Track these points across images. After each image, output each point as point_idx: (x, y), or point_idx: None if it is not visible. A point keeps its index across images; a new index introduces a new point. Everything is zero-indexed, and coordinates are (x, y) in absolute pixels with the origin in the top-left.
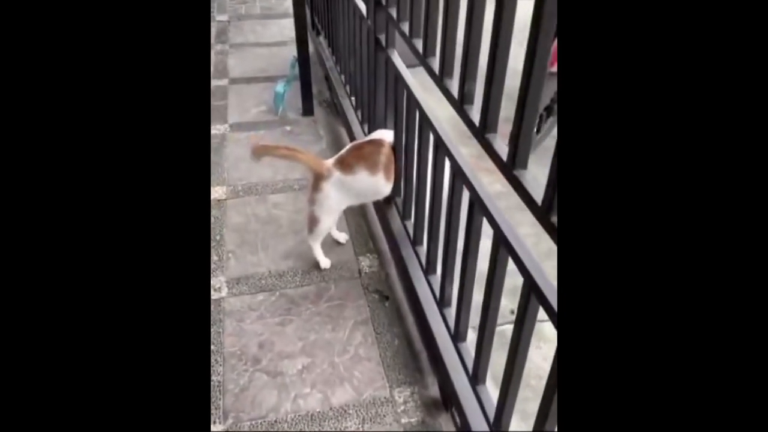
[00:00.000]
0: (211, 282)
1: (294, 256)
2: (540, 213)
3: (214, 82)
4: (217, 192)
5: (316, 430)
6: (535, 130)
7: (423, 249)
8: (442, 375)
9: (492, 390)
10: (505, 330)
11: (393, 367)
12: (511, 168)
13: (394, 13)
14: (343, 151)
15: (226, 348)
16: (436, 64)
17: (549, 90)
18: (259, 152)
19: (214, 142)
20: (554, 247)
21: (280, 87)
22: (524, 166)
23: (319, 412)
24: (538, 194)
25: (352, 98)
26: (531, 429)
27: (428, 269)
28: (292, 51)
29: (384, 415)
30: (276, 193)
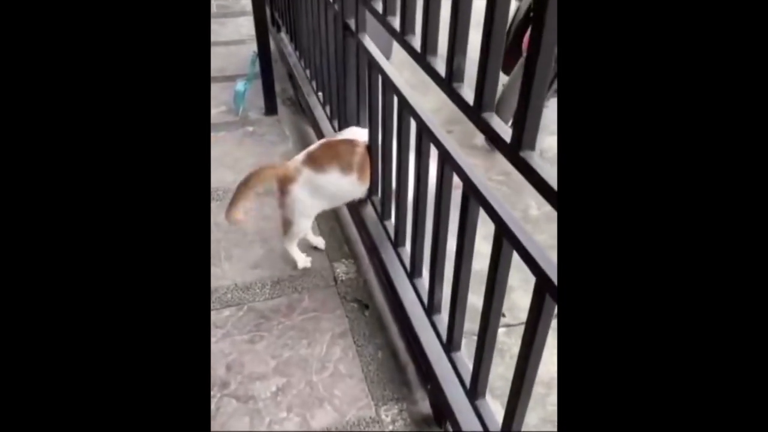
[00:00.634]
0: None
1: (262, 265)
2: (555, 198)
3: None
4: None
5: None
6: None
7: (406, 251)
8: (433, 389)
9: (491, 404)
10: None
11: (377, 383)
12: (516, 149)
13: None
14: (312, 147)
15: None
16: (416, 41)
17: None
18: (233, 213)
19: None
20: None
21: (240, 85)
22: (532, 147)
23: None
24: (552, 177)
25: (319, 94)
26: None
27: (413, 272)
28: (251, 49)
29: None
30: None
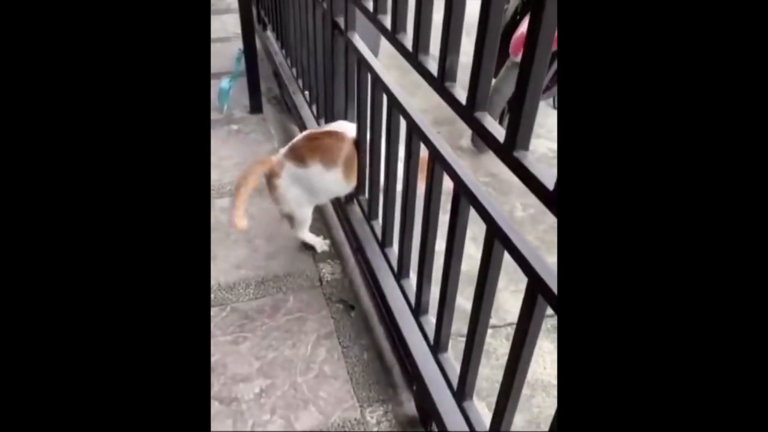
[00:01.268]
0: None
1: (246, 266)
2: (550, 199)
3: None
4: None
5: None
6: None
7: (393, 251)
8: (419, 390)
9: (478, 406)
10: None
11: (363, 385)
12: (510, 149)
13: None
14: (295, 140)
15: None
16: (408, 40)
17: (511, 83)
18: (239, 220)
19: None
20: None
21: (224, 83)
22: (526, 146)
23: None
24: (547, 177)
25: (306, 93)
26: None
27: (401, 273)
28: (235, 47)
29: None
30: (223, 197)
